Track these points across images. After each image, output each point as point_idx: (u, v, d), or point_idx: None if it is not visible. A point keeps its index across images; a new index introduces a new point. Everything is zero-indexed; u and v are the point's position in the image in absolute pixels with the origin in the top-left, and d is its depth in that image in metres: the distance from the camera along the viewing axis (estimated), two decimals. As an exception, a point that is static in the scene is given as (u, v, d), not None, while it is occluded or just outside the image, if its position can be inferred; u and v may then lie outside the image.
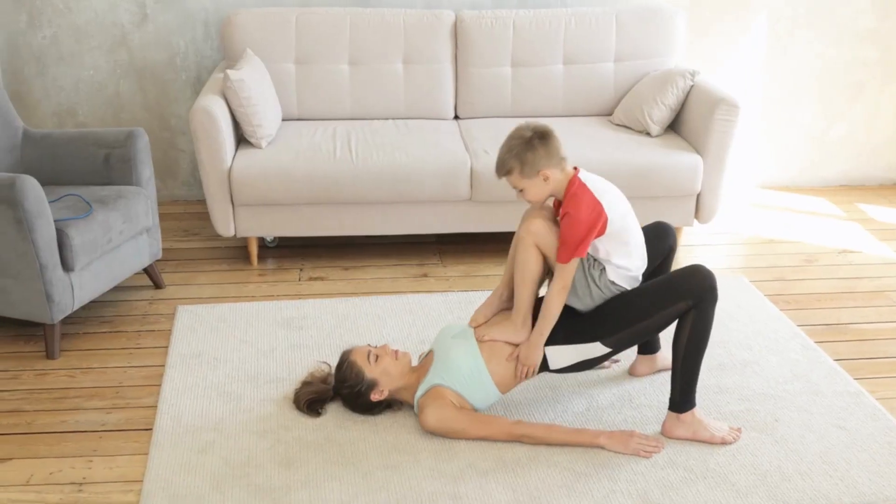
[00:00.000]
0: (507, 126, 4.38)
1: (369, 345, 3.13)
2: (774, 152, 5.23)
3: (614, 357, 3.36)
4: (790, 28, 4.98)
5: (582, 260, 2.93)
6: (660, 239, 3.19)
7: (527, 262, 2.91)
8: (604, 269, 2.92)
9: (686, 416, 2.99)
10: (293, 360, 3.44)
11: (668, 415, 3.02)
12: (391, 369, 3.05)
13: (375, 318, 3.77)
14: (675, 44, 4.63)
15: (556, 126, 4.33)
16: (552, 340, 2.96)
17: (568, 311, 2.98)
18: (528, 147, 2.84)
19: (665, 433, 3.02)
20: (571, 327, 2.96)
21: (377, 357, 3.05)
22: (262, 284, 4.09)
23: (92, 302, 3.82)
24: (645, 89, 4.45)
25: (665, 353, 3.39)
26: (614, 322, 2.93)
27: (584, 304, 2.96)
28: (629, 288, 2.96)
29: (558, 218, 2.92)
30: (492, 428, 2.95)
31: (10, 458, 2.91)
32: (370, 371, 3.03)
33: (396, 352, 3.09)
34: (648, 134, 4.38)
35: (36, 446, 2.97)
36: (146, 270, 3.96)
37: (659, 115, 4.35)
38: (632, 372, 3.39)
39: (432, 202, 4.13)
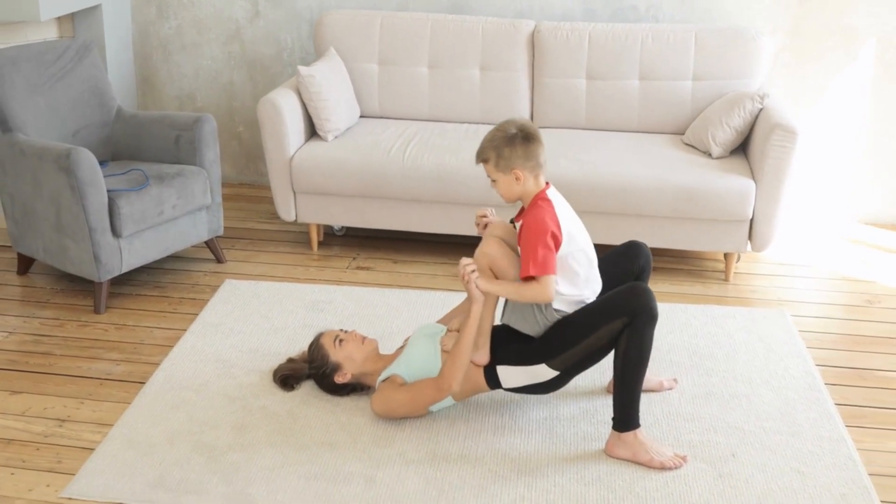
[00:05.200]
0: (580, 138, 4.55)
1: (342, 329, 3.33)
2: (880, 187, 4.92)
3: (673, 377, 3.41)
4: (901, 56, 4.69)
5: None
6: (630, 258, 3.18)
7: None
8: None
9: (627, 436, 2.98)
10: (297, 339, 3.69)
11: (611, 433, 3.02)
12: (355, 354, 3.24)
13: (394, 309, 3.96)
14: (757, 66, 4.49)
15: (627, 141, 4.44)
16: (504, 360, 3.04)
17: (519, 333, 3.05)
18: (508, 142, 2.90)
19: (607, 451, 3.02)
20: (522, 349, 3.02)
21: (342, 341, 3.24)
22: (310, 268, 4.38)
23: (152, 268, 4.27)
24: (714, 110, 4.35)
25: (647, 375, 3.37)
26: (556, 343, 2.96)
27: (532, 330, 3.01)
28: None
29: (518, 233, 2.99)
30: (423, 391, 3.06)
31: (21, 392, 3.35)
32: (334, 354, 3.23)
33: (363, 338, 3.28)
34: (710, 155, 4.29)
35: (46, 384, 3.40)
36: (208, 245, 4.35)
37: (723, 136, 4.25)
38: (609, 389, 3.38)
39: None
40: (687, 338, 3.76)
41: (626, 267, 3.16)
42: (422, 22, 4.71)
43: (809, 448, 3.08)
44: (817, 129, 4.85)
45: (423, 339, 3.20)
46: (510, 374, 3.05)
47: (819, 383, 3.45)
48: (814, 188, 4.95)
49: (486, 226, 3.14)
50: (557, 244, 2.90)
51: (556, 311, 2.97)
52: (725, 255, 4.33)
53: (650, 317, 2.87)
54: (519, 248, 2.96)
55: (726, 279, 4.30)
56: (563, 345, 2.95)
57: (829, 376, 3.52)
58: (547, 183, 3.00)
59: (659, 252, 4.56)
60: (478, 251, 3.04)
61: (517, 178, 2.91)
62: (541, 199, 2.93)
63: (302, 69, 4.35)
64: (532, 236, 2.88)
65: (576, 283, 2.96)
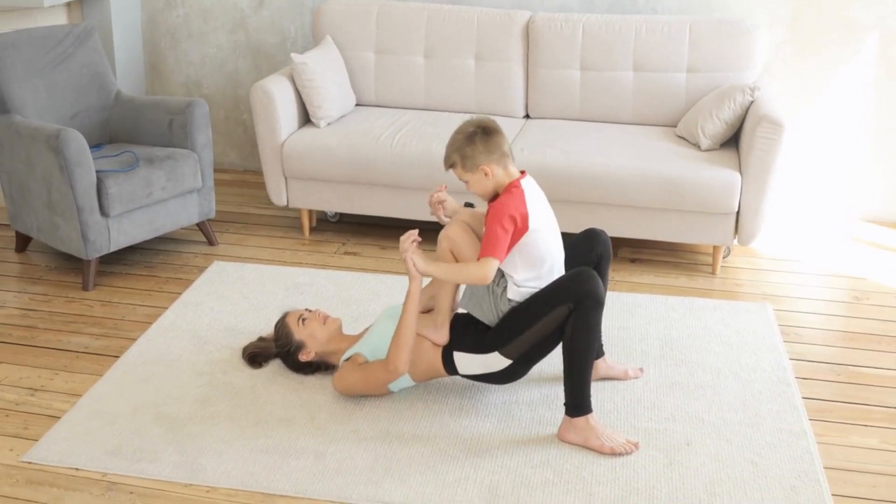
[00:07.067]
0: (572, 128, 4.55)
1: (306, 309, 3.38)
2: (881, 184, 4.84)
3: (639, 367, 3.42)
4: (904, 51, 4.61)
5: None
6: (588, 246, 3.17)
7: None
8: (506, 287, 2.97)
9: (579, 421, 2.99)
10: (273, 319, 3.72)
11: (563, 418, 3.04)
12: (318, 333, 3.29)
13: (372, 293, 4.01)
14: (752, 59, 4.45)
15: (617, 132, 4.44)
16: (461, 346, 3.07)
17: (479, 322, 3.08)
18: (468, 142, 2.94)
19: (559, 436, 3.04)
20: (478, 337, 3.05)
21: (305, 320, 3.30)
22: (299, 252, 4.44)
23: (144, 248, 4.38)
24: (705, 102, 4.33)
25: (609, 362, 3.37)
26: (506, 331, 2.99)
27: (487, 317, 3.04)
28: None
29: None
30: (374, 372, 3.10)
31: (0, 362, 3.45)
32: (298, 333, 3.29)
33: (326, 317, 3.33)
34: (699, 147, 4.26)
35: (25, 356, 3.50)
36: (200, 228, 4.43)
37: (712, 129, 4.22)
38: (576, 376, 3.39)
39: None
40: (662, 328, 3.75)
41: (583, 255, 3.16)
42: (418, 11, 4.75)
43: (767, 440, 3.06)
44: (818, 125, 4.79)
45: (387, 320, 3.24)
46: (466, 361, 3.08)
47: (789, 377, 3.42)
48: (814, 184, 4.89)
49: (439, 202, 3.15)
50: (518, 230, 2.90)
51: (510, 300, 2.99)
52: (713, 248, 4.31)
53: (595, 302, 2.87)
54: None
55: (713, 272, 4.28)
56: (512, 332, 2.97)
57: (802, 371, 3.49)
58: (523, 172, 3.01)
59: (648, 244, 4.55)
60: (441, 234, 3.07)
61: (486, 174, 2.93)
62: (513, 186, 2.94)
63: (295, 56, 4.41)
64: (492, 218, 2.90)
65: (539, 274, 2.97)
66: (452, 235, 3.04)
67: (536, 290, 2.98)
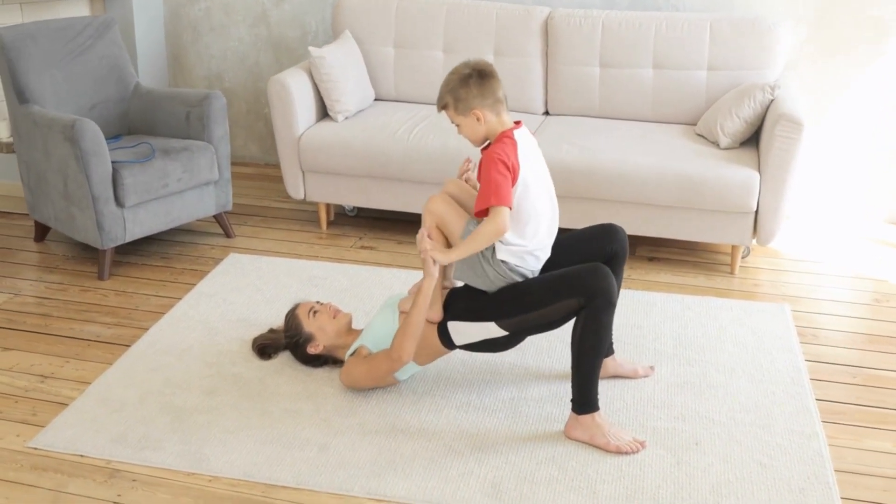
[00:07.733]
0: (590, 125, 4.51)
1: (318, 301, 3.38)
2: (908, 185, 4.78)
3: (650, 365, 3.38)
4: (930, 50, 4.53)
5: None
6: (604, 241, 3.13)
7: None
8: (495, 248, 2.93)
9: (585, 418, 2.96)
10: (285, 311, 3.72)
11: (570, 415, 3.01)
12: (327, 327, 3.28)
13: (385, 287, 3.99)
14: (774, 57, 4.39)
15: (636, 130, 4.40)
16: (455, 316, 3.04)
17: (474, 289, 3.04)
18: (462, 84, 2.87)
19: (565, 433, 3.01)
20: (474, 305, 3.02)
21: (315, 313, 3.29)
22: (315, 246, 4.44)
23: (161, 239, 4.40)
24: (725, 100, 4.28)
25: (618, 360, 3.34)
26: (509, 306, 2.95)
27: (482, 282, 2.99)
28: (523, 266, 2.96)
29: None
30: (378, 364, 3.07)
31: (13, 349, 3.49)
32: (308, 325, 3.28)
33: (337, 311, 3.31)
34: (718, 145, 4.21)
35: (37, 343, 3.53)
36: (217, 220, 4.44)
37: (732, 127, 4.17)
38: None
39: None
40: (677, 328, 3.71)
41: (597, 248, 3.11)
42: (437, 6, 4.73)
43: (778, 441, 3.01)
44: (841, 124, 4.72)
45: (387, 309, 3.22)
46: (461, 330, 3.03)
47: (803, 378, 3.37)
48: (836, 184, 4.82)
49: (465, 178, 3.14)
50: (514, 176, 2.84)
51: (502, 262, 2.92)
52: (732, 248, 4.25)
53: (607, 301, 2.83)
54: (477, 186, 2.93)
55: (731, 272, 4.22)
56: (517, 310, 2.93)
57: (818, 372, 3.43)
58: (518, 122, 2.95)
59: (667, 243, 4.51)
60: (424, 209, 3.03)
61: (478, 119, 2.87)
62: (506, 136, 2.88)
63: (313, 50, 4.41)
64: (486, 166, 2.83)
65: (523, 233, 2.91)
66: (434, 209, 3.01)
67: (524, 248, 2.92)
